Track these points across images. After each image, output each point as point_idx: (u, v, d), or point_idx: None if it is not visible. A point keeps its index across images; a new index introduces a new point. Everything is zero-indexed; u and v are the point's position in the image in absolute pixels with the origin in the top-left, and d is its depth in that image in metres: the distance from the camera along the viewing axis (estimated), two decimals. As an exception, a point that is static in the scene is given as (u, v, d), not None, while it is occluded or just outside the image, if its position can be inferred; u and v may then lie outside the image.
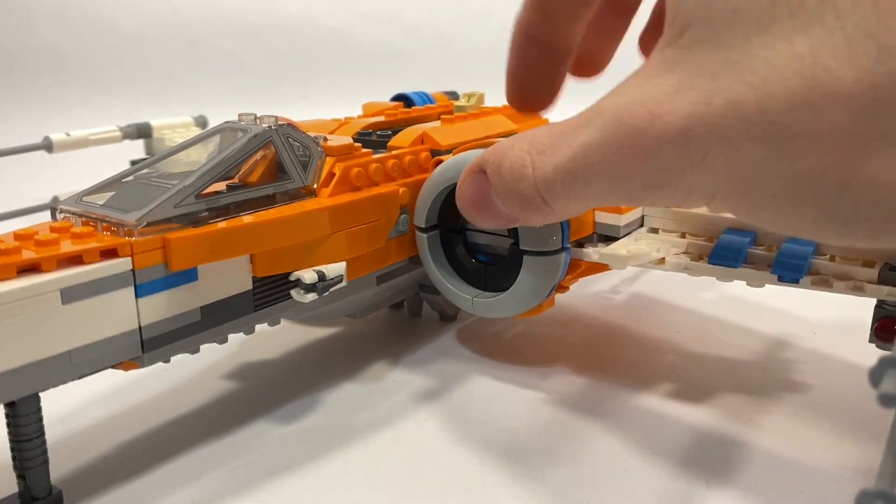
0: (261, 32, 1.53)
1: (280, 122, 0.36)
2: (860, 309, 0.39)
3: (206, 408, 0.38)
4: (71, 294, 0.27)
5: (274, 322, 0.37)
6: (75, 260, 0.28)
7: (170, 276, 0.30)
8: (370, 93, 0.63)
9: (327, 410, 0.38)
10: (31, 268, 0.27)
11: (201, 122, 0.71)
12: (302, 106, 0.63)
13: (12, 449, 0.29)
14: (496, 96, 0.59)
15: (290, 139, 0.37)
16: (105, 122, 0.66)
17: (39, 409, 0.29)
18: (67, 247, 0.28)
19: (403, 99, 0.62)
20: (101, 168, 0.68)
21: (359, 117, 0.57)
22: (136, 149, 0.68)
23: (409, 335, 0.48)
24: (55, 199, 0.61)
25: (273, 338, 0.46)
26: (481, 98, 0.54)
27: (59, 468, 0.31)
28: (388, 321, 0.50)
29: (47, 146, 0.59)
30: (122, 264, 0.29)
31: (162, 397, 0.39)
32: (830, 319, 0.49)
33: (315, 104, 0.69)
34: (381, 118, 0.51)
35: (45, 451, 0.30)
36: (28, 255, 0.27)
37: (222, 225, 0.32)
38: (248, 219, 0.33)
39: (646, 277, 0.58)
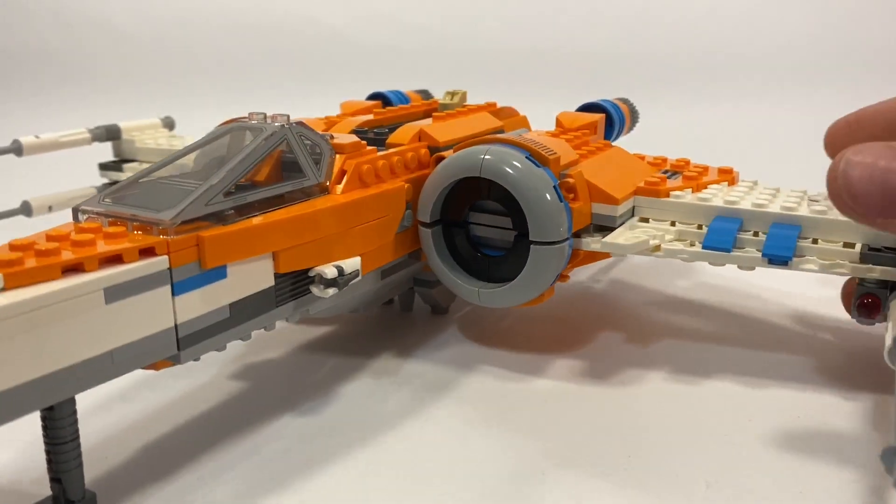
0: (260, 32, 1.51)
1: (292, 121, 0.37)
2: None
3: (225, 405, 0.39)
4: (114, 293, 0.27)
5: (292, 318, 0.37)
6: (115, 259, 0.28)
7: (202, 273, 0.31)
8: (369, 92, 0.64)
9: (347, 404, 0.39)
10: (74, 268, 0.27)
11: (168, 122, 0.70)
12: (301, 105, 0.63)
13: (48, 452, 0.29)
14: (479, 94, 0.61)
15: (303, 137, 0.37)
16: (103, 122, 0.64)
17: (75, 412, 0.29)
18: (105, 246, 0.28)
19: (380, 97, 0.63)
20: (69, 171, 0.67)
21: (338, 115, 0.57)
22: (105, 152, 0.66)
23: (406, 328, 0.49)
24: (25, 204, 0.59)
25: (273, 337, 0.47)
26: (464, 96, 0.56)
27: (88, 470, 0.31)
28: (382, 316, 0.51)
29: (16, 149, 0.58)
30: (159, 263, 0.29)
31: (178, 397, 0.39)
32: (808, 299, 0.52)
33: (314, 103, 0.69)
34: (370, 116, 0.52)
35: (80, 454, 0.30)
36: (67, 255, 0.27)
37: (252, 222, 0.32)
38: (274, 216, 0.33)
39: (622, 265, 0.61)
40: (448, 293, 0.51)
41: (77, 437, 0.29)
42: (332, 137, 0.40)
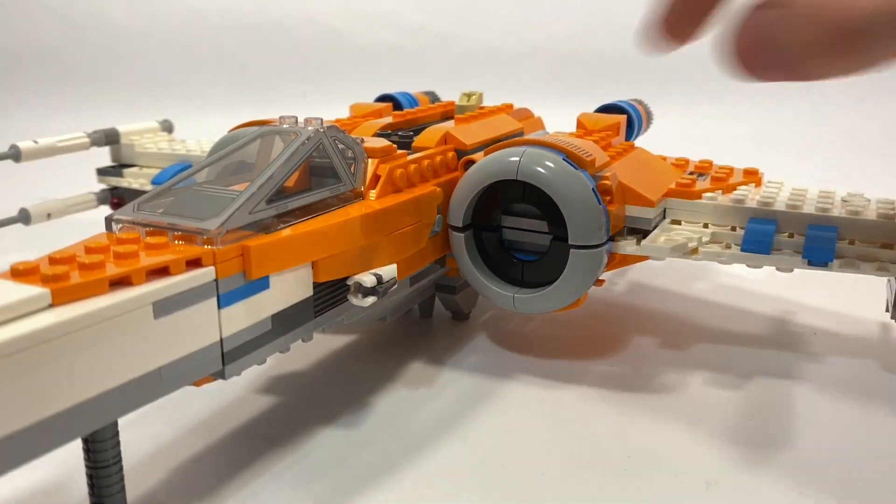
0: (261, 32, 1.49)
1: (326, 124, 0.36)
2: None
3: (261, 420, 0.37)
4: (162, 307, 0.26)
5: (328, 329, 0.36)
6: (162, 271, 0.26)
7: (247, 284, 0.29)
8: (369, 93, 0.62)
9: (384, 416, 0.37)
10: (120, 281, 0.25)
11: (167, 126, 0.68)
12: (302, 106, 0.62)
13: (89, 476, 0.28)
14: (495, 96, 0.60)
15: (336, 141, 0.36)
16: (104, 122, 0.62)
17: (118, 433, 0.28)
18: (150, 258, 0.26)
19: (390, 100, 0.62)
20: (66, 176, 0.65)
21: (348, 118, 0.56)
22: (102, 156, 0.64)
23: (431, 335, 0.47)
24: (23, 212, 0.57)
25: (297, 346, 0.45)
26: (480, 97, 0.55)
27: (129, 491, 0.29)
28: (402, 323, 0.50)
29: (14, 155, 0.55)
30: (207, 274, 0.27)
31: (211, 411, 0.38)
32: (827, 304, 0.52)
33: (315, 104, 0.67)
34: (389, 119, 0.50)
35: (122, 478, 0.28)
36: (112, 268, 0.25)
37: (294, 231, 0.31)
38: (315, 224, 0.32)
39: (635, 269, 0.60)
40: (470, 299, 0.50)
41: (120, 461, 0.28)
42: (362, 141, 0.38)
